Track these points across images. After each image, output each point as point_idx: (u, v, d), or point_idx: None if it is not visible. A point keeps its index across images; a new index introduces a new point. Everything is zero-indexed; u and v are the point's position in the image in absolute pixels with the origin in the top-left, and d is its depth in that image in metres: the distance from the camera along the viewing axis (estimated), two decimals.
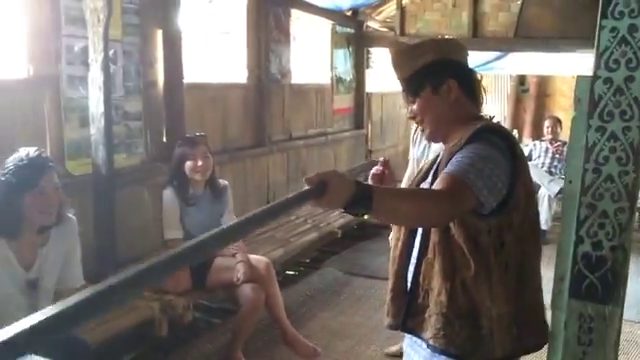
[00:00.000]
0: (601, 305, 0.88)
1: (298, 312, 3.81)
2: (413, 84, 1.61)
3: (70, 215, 2.32)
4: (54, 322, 0.72)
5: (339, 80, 6.45)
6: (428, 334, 1.54)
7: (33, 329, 0.69)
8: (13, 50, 2.90)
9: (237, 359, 3.12)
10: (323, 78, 6.23)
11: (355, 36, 6.65)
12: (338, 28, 6.36)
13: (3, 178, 2.10)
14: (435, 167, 1.63)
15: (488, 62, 8.22)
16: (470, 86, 1.61)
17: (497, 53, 7.76)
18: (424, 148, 3.04)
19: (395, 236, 1.69)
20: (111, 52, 3.14)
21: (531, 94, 12.20)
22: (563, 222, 0.92)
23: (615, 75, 0.84)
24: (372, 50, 7.02)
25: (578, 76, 0.87)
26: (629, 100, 0.83)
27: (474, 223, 1.45)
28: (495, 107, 11.88)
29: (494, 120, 1.74)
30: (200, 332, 3.55)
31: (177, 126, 3.82)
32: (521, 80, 12.53)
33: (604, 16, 0.83)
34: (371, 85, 7.14)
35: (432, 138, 1.68)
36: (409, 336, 1.68)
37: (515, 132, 9.13)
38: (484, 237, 1.46)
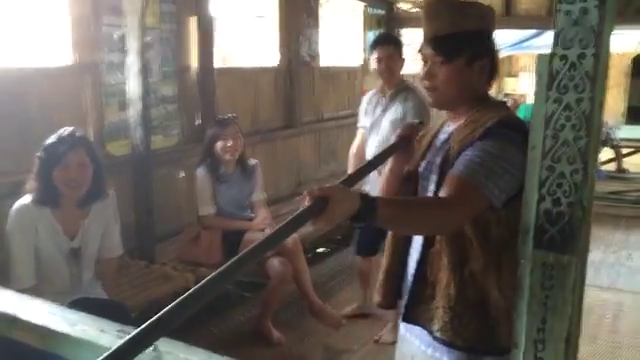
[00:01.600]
0: (560, 254, 1.00)
1: (327, 285, 3.98)
2: (448, 46, 1.45)
3: (110, 192, 2.54)
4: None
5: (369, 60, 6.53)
6: (435, 326, 1.50)
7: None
8: (59, 39, 3.12)
9: (267, 329, 3.31)
10: (354, 60, 6.32)
11: (386, 17, 6.70)
12: (370, 10, 6.43)
13: (39, 154, 2.33)
14: (442, 157, 1.50)
15: (524, 40, 8.15)
16: (495, 67, 1.52)
17: (533, 31, 7.69)
18: (378, 117, 3.24)
19: None
20: (149, 39, 3.34)
21: None
22: (527, 183, 1.04)
23: (569, 52, 0.95)
24: (402, 31, 7.04)
25: (539, 54, 0.99)
26: (581, 74, 0.94)
27: (484, 215, 1.40)
28: (532, 86, 11.73)
29: (505, 103, 1.71)
30: (232, 304, 3.76)
31: (210, 109, 4.02)
32: None
33: (559, 1, 0.95)
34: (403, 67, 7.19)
35: (441, 106, 1.57)
36: (405, 326, 1.65)
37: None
38: (494, 228, 1.41)
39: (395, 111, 3.23)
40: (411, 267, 1.58)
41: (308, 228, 3.79)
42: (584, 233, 1.02)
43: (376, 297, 1.71)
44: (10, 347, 1.84)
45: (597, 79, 0.94)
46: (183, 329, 1.56)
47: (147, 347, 0.98)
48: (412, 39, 7.34)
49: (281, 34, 4.95)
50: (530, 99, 10.97)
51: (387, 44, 3.26)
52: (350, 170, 3.48)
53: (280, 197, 4.70)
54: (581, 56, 0.94)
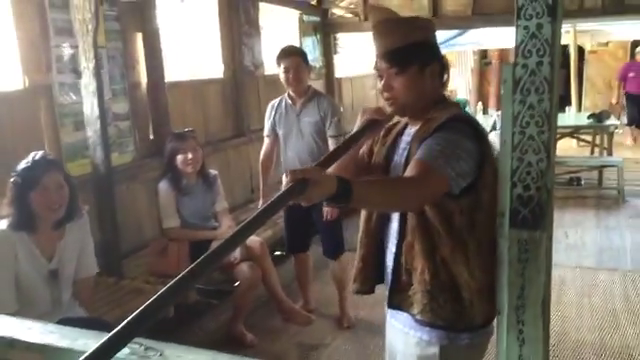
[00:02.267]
0: (533, 231, 1.18)
1: (290, 287, 4.09)
2: (401, 57, 1.59)
3: (83, 211, 2.58)
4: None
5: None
6: (415, 309, 1.63)
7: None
8: (9, 63, 3.10)
9: (240, 332, 3.41)
10: None
11: (321, 24, 6.89)
12: (305, 17, 6.59)
13: (13, 179, 2.35)
14: (405, 157, 1.65)
15: (449, 39, 8.56)
16: (443, 70, 1.67)
17: (457, 31, 8.10)
18: (293, 123, 3.47)
19: (364, 217, 1.77)
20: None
21: (494, 66, 12.62)
22: (500, 173, 1.22)
23: (529, 61, 1.13)
24: (338, 36, 7.26)
25: (503, 64, 1.17)
26: (540, 79, 1.13)
27: (447, 205, 1.55)
28: (460, 81, 12.29)
29: (459, 104, 1.89)
30: (201, 312, 3.82)
31: (162, 123, 4.06)
32: (483, 54, 12.95)
33: (518, 17, 1.12)
34: (339, 70, 7.41)
35: (401, 114, 1.70)
36: (391, 311, 1.77)
37: (480, 104, 9.50)
38: (457, 217, 1.56)
39: (313, 114, 3.45)
40: (389, 259, 1.72)
41: (267, 232, 3.93)
42: (550, 212, 1.21)
43: (353, 285, 1.82)
44: None
45: (553, 82, 1.13)
46: (156, 342, 1.66)
47: (120, 349, 1.03)
48: (346, 43, 7.61)
49: (223, 45, 5.03)
50: (459, 94, 11.51)
51: (294, 55, 3.47)
52: (261, 180, 3.74)
53: (236, 205, 4.79)
54: (539, 64, 1.13)
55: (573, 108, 9.37)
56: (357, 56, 7.94)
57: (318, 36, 6.90)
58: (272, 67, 5.78)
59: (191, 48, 4.84)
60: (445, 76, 1.69)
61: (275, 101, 3.60)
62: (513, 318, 1.24)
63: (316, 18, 6.85)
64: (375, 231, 1.75)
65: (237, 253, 3.30)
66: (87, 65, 3.05)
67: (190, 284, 1.15)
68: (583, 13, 6.06)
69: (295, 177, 1.25)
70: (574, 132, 8.02)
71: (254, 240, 3.51)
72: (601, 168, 6.99)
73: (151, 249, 3.44)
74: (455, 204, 1.55)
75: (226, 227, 3.40)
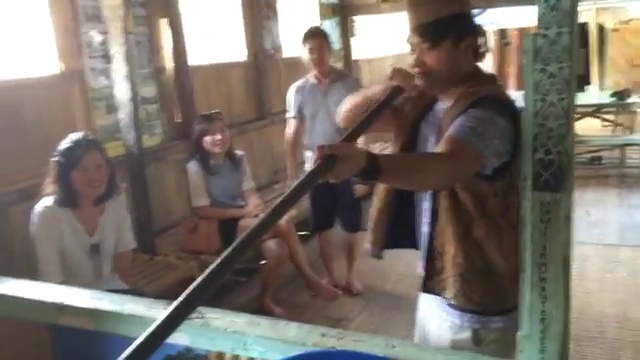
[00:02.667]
0: (553, 193, 1.25)
1: (315, 264, 4.19)
2: (435, 31, 1.53)
3: (121, 189, 2.71)
4: None
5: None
6: (448, 294, 1.61)
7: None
8: (43, 48, 3.22)
9: (268, 306, 3.53)
10: None
11: (340, 6, 6.91)
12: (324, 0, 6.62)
13: (56, 159, 2.48)
14: (436, 134, 1.61)
15: None
16: (480, 45, 1.60)
17: (476, 10, 8.08)
18: (320, 104, 3.54)
19: (381, 190, 1.75)
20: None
21: (513, 47, 12.52)
22: (524, 140, 1.29)
23: (549, 32, 1.19)
24: (356, 18, 7.29)
25: (524, 35, 1.24)
26: (560, 48, 1.20)
27: (480, 187, 1.51)
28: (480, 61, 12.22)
29: (496, 77, 1.73)
30: (230, 290, 3.95)
31: (188, 106, 4.17)
32: (502, 34, 12.84)
33: None
34: (357, 53, 7.44)
35: (433, 89, 1.64)
36: (425, 295, 1.75)
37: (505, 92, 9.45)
38: (491, 200, 1.53)
39: (340, 93, 3.46)
40: (422, 241, 1.69)
41: (292, 212, 4.01)
42: (570, 175, 1.28)
43: (365, 245, 1.81)
44: (59, 333, 2.00)
45: (573, 52, 1.20)
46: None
47: (181, 321, 1.05)
48: (364, 25, 7.63)
49: (246, 29, 5.12)
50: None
51: (318, 36, 3.58)
52: (289, 160, 3.79)
53: (260, 186, 4.88)
54: (559, 34, 1.19)
55: (595, 87, 9.29)
56: (375, 38, 7.96)
57: (337, 18, 6.94)
58: (291, 50, 5.89)
59: (214, 32, 4.93)
60: (482, 49, 1.61)
61: (299, 82, 3.68)
62: (536, 276, 1.32)
63: (335, 0, 6.88)
64: (389, 197, 1.73)
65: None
66: (118, 50, 3.16)
67: (231, 266, 1.20)
68: None
69: (323, 153, 1.21)
70: (596, 111, 7.97)
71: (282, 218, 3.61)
72: (623, 147, 6.96)
73: (183, 227, 3.56)
74: (489, 186, 1.52)
75: (253, 205, 3.51)
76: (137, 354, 0.93)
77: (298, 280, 3.78)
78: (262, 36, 5.20)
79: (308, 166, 3.55)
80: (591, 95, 8.42)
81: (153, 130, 3.95)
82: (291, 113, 3.71)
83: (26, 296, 2.02)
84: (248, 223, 3.52)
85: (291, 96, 3.68)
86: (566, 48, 1.19)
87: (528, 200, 1.30)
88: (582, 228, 4.91)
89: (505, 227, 1.55)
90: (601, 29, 11.09)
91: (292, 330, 1.71)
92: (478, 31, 1.61)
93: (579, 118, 7.96)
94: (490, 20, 9.29)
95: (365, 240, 1.82)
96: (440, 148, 1.44)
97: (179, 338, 1.77)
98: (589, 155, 7.04)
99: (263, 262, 3.68)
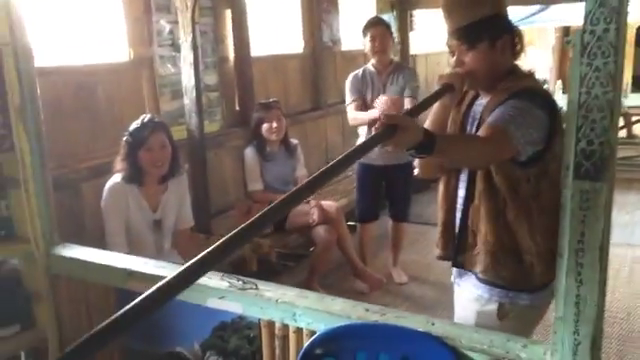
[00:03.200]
0: (593, 182, 1.31)
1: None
2: (470, 34, 1.66)
3: (183, 170, 2.90)
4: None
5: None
6: (478, 268, 1.75)
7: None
8: (117, 37, 3.44)
9: (315, 290, 3.65)
10: None
11: (398, 0, 6.95)
12: None
13: (125, 139, 2.68)
14: (476, 127, 1.73)
15: (530, 15, 8.38)
16: (516, 42, 1.72)
17: (538, 6, 7.92)
18: (379, 92, 3.57)
19: (444, 180, 1.88)
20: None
21: None
22: (567, 130, 1.35)
23: (597, 28, 1.25)
24: (414, 13, 7.30)
25: (573, 29, 1.30)
26: (606, 44, 1.25)
27: (514, 172, 1.63)
28: (540, 59, 11.95)
29: (534, 73, 1.83)
30: (278, 273, 4.10)
31: (247, 95, 4.34)
32: (565, 32, 12.49)
33: None
34: (415, 47, 7.45)
35: (474, 87, 1.77)
36: (457, 270, 1.90)
37: (559, 82, 9.26)
38: (523, 185, 1.64)
39: (399, 83, 3.59)
40: (457, 221, 1.83)
41: (342, 201, 4.10)
42: (612, 165, 1.34)
43: (436, 251, 1.95)
44: (122, 296, 2.17)
45: (619, 47, 1.26)
46: (250, 279, 1.91)
47: (193, 281, 1.11)
48: (423, 19, 7.63)
49: (304, 22, 5.25)
50: (538, 74, 11.20)
51: (380, 25, 3.62)
52: (361, 117, 3.65)
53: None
54: (606, 30, 1.25)
55: None
56: (432, 33, 7.94)
57: (395, 12, 6.97)
58: (349, 43, 5.98)
59: (273, 24, 5.08)
60: (518, 46, 1.74)
61: (357, 72, 3.71)
62: (573, 261, 1.38)
63: None
64: (454, 194, 1.85)
65: (315, 215, 3.53)
66: (185, 38, 3.34)
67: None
68: None
69: (387, 122, 1.36)
70: None
71: (331, 205, 3.74)
72: None
73: (237, 210, 3.73)
74: (522, 172, 1.63)
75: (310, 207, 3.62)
76: (147, 305, 1.00)
77: (345, 267, 3.89)
78: (321, 29, 5.31)
79: (360, 140, 3.60)
80: None
81: (213, 117, 4.14)
82: (351, 96, 3.66)
83: (99, 262, 2.22)
84: (300, 209, 3.65)
85: (349, 83, 3.69)
86: (612, 44, 1.25)
87: (568, 188, 1.37)
88: (635, 232, 4.83)
89: (535, 211, 1.65)
90: None
91: (338, 304, 1.82)
92: (514, 31, 1.73)
93: (636, 121, 7.74)
94: (552, 17, 9.09)
95: (435, 246, 1.95)
96: (482, 133, 1.59)
97: (233, 307, 1.93)
98: None
99: (312, 249, 3.81)
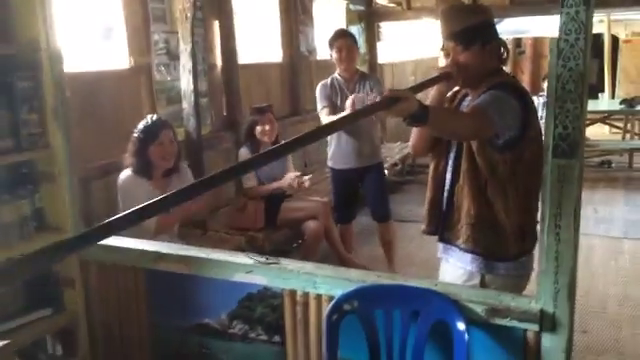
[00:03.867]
0: (568, 159, 1.64)
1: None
2: (465, 37, 1.95)
3: (184, 165, 3.16)
4: None
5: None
6: (460, 240, 2.04)
7: None
8: (118, 46, 3.67)
9: None
10: None
11: (366, 13, 7.35)
12: (351, 6, 7.06)
13: (136, 135, 2.95)
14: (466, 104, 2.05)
15: None
16: (502, 50, 2.04)
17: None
18: (347, 98, 3.77)
19: (434, 164, 2.18)
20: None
21: (527, 55, 12.90)
22: (546, 119, 1.69)
23: (569, 37, 1.59)
24: (381, 25, 7.72)
25: (550, 38, 1.65)
26: (577, 50, 1.60)
27: (493, 156, 1.91)
28: None
29: (514, 75, 2.26)
30: None
31: (234, 101, 4.61)
32: (517, 43, 13.21)
33: (562, 6, 1.60)
34: (382, 57, 7.86)
35: (465, 84, 2.06)
36: (443, 246, 2.17)
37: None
38: (500, 167, 1.93)
39: (364, 91, 3.85)
40: (444, 201, 2.13)
41: (325, 199, 4.35)
42: (581, 145, 1.69)
43: (422, 226, 2.23)
44: (152, 277, 2.41)
45: (586, 53, 1.61)
46: (274, 257, 2.20)
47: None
48: (389, 31, 8.05)
49: (283, 32, 5.56)
50: None
51: (346, 36, 3.92)
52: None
53: None
54: (577, 39, 1.60)
55: (606, 95, 9.65)
56: (398, 43, 8.39)
57: (363, 24, 7.37)
58: (323, 53, 6.31)
59: (255, 34, 5.36)
60: (504, 54, 2.07)
61: (326, 81, 3.96)
62: (552, 223, 1.72)
63: (361, 7, 7.31)
64: (441, 176, 2.14)
65: (306, 181, 3.81)
66: (185, 47, 3.60)
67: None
68: (617, 2, 6.40)
69: (391, 94, 1.66)
70: (606, 118, 8.35)
71: (319, 201, 4.04)
72: (632, 151, 7.32)
73: (232, 206, 3.99)
74: (500, 156, 1.93)
75: (287, 180, 3.87)
76: (66, 248, 1.23)
77: (331, 257, 4.18)
78: (298, 39, 5.63)
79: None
80: (602, 102, 8.79)
81: (204, 121, 4.36)
82: (322, 103, 3.88)
83: (130, 246, 2.45)
84: (290, 205, 3.95)
85: (319, 91, 3.92)
86: (581, 49, 1.61)
87: (548, 164, 1.71)
88: (590, 223, 5.29)
89: (510, 190, 1.96)
90: (614, 40, 11.45)
91: (352, 273, 2.14)
92: (500, 40, 2.05)
93: (590, 124, 8.32)
94: (506, 29, 9.69)
95: (422, 222, 2.23)
96: (467, 111, 1.93)
97: (258, 279, 2.20)
98: (599, 159, 7.40)
99: (299, 242, 4.10)
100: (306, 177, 3.83)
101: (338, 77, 3.93)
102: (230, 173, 1.58)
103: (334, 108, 3.86)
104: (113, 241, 2.52)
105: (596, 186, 6.59)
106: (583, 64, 1.61)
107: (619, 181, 6.87)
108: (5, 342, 1.63)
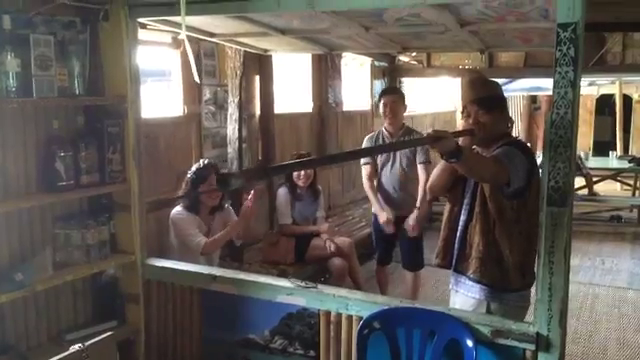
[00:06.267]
0: (559, 207, 2.02)
1: (366, 284, 4.95)
2: (488, 103, 2.38)
3: (227, 205, 3.61)
4: None
5: (377, 106, 7.67)
6: (470, 271, 2.42)
7: None
8: (175, 97, 4.18)
9: None
10: (365, 105, 7.47)
11: (389, 69, 7.88)
12: (376, 63, 7.59)
13: (189, 176, 3.42)
14: None
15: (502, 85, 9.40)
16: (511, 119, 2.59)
17: (506, 80, 8.94)
18: (390, 153, 4.11)
19: (449, 208, 2.56)
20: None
21: (542, 111, 13.30)
22: (542, 174, 2.09)
23: (561, 91, 1.95)
24: (403, 80, 8.23)
25: (545, 111, 2.08)
26: (567, 101, 1.95)
27: (502, 202, 2.30)
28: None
29: (521, 138, 2.73)
30: None
31: (269, 147, 5.07)
32: (533, 99, 13.66)
33: (556, 66, 1.99)
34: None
35: (482, 143, 2.43)
36: (454, 277, 2.53)
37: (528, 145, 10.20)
38: (508, 212, 2.31)
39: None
40: (458, 236, 2.50)
41: (355, 236, 4.78)
42: (571, 196, 2.08)
43: (435, 260, 2.61)
44: (207, 296, 2.81)
45: (574, 103, 1.97)
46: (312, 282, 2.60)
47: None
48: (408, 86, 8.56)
49: (313, 86, 6.08)
50: None
51: (392, 93, 4.28)
52: (372, 198, 4.16)
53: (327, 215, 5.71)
54: (566, 92, 1.99)
55: (617, 153, 10.01)
56: (418, 97, 8.91)
57: (386, 79, 7.89)
58: (349, 105, 6.83)
59: (289, 87, 5.89)
60: (510, 124, 2.61)
61: (372, 134, 4.28)
62: (546, 259, 2.10)
63: (385, 64, 7.85)
64: (455, 218, 2.55)
65: (332, 247, 4.22)
66: (233, 99, 4.09)
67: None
68: (624, 68, 6.83)
69: (435, 134, 2.12)
70: (616, 175, 8.69)
71: (345, 240, 4.43)
72: None
73: (265, 242, 4.41)
74: (508, 202, 2.32)
75: (324, 227, 4.31)
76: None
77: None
78: (327, 92, 6.14)
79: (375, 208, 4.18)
80: (612, 160, 9.13)
81: (243, 164, 4.84)
82: (364, 159, 4.17)
83: (187, 269, 2.87)
84: (317, 243, 4.35)
85: (365, 145, 4.20)
86: (569, 121, 2.02)
87: (543, 211, 2.11)
88: (596, 274, 5.60)
89: (515, 232, 2.35)
90: (626, 100, 11.88)
91: (379, 297, 2.54)
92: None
93: (599, 180, 8.69)
94: (522, 87, 10.16)
95: (435, 256, 2.59)
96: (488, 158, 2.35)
97: (298, 301, 2.59)
98: (609, 214, 7.69)
99: (325, 277, 4.47)
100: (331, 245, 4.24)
101: (384, 130, 4.17)
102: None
103: (375, 164, 4.15)
104: (172, 264, 2.96)
105: (605, 239, 6.89)
106: (572, 132, 2.03)
107: (627, 235, 7.15)
108: (109, 333, 2.02)
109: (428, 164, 4.01)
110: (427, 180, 3.42)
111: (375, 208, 4.17)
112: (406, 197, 4.12)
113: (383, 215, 4.07)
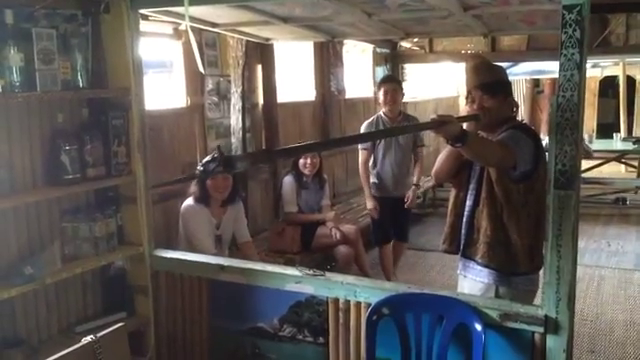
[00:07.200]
0: (566, 190, 2.03)
1: (372, 271, 4.97)
2: (492, 88, 2.37)
3: (239, 199, 3.63)
4: None
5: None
6: (478, 256, 2.41)
7: None
8: (178, 88, 4.18)
9: None
10: (367, 91, 7.44)
11: (391, 55, 7.85)
12: (378, 49, 7.56)
13: (198, 169, 3.40)
14: None
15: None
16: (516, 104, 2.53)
17: (509, 63, 8.89)
18: (389, 139, 4.32)
19: (454, 193, 2.55)
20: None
21: (546, 94, 13.26)
22: (549, 157, 2.09)
23: (567, 73, 1.93)
24: (405, 66, 8.20)
25: (552, 78, 2.08)
26: (573, 83, 1.95)
27: (508, 185, 2.28)
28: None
29: (525, 122, 2.72)
30: None
31: (273, 136, 5.07)
32: (536, 82, 13.61)
33: (562, 48, 1.97)
34: (406, 95, 8.30)
35: (487, 128, 2.41)
36: (462, 262, 2.52)
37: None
38: (515, 195, 2.30)
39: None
40: (465, 222, 2.49)
41: (361, 223, 4.85)
42: (577, 179, 2.08)
43: (442, 246, 2.59)
44: (214, 286, 2.82)
45: (580, 86, 1.96)
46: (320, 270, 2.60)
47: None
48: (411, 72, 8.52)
49: (316, 74, 6.06)
50: None
51: (392, 81, 4.49)
52: (363, 182, 4.50)
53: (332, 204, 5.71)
54: (572, 75, 1.97)
55: (621, 135, 9.97)
56: (420, 83, 8.88)
57: (388, 66, 7.86)
58: (351, 92, 6.81)
59: (292, 76, 5.87)
60: (515, 109, 2.55)
61: (370, 120, 4.45)
62: (554, 242, 2.10)
63: (386, 50, 7.81)
64: (461, 203, 2.51)
65: (338, 235, 4.23)
66: (236, 89, 4.09)
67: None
68: (628, 49, 6.79)
69: (440, 118, 2.09)
70: (620, 157, 8.66)
71: (350, 228, 4.44)
72: None
73: (271, 231, 4.42)
74: (514, 186, 2.31)
75: (330, 215, 4.33)
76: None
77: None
78: (329, 80, 6.12)
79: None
80: (616, 142, 9.11)
81: None
82: (364, 145, 4.39)
83: (195, 259, 2.88)
84: (323, 231, 4.35)
85: (363, 130, 4.38)
86: (576, 104, 2.02)
87: (551, 194, 2.11)
88: (603, 256, 5.61)
89: (522, 215, 2.34)
90: (630, 81, 11.81)
91: (387, 284, 2.54)
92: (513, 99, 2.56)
93: (604, 162, 8.67)
94: (525, 70, 10.11)
95: (442, 242, 2.59)
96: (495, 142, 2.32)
97: (306, 289, 2.60)
98: (614, 196, 7.68)
99: (332, 265, 4.48)
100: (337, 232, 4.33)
101: (383, 116, 4.38)
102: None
103: (371, 151, 4.42)
104: (180, 255, 2.97)
105: (610, 222, 6.90)
106: (577, 115, 2.02)
107: (633, 217, 7.15)
108: (120, 324, 2.03)
109: (422, 147, 4.47)
110: (420, 160, 4.38)
111: (365, 194, 4.49)
112: (405, 179, 4.47)
113: (370, 203, 4.41)
